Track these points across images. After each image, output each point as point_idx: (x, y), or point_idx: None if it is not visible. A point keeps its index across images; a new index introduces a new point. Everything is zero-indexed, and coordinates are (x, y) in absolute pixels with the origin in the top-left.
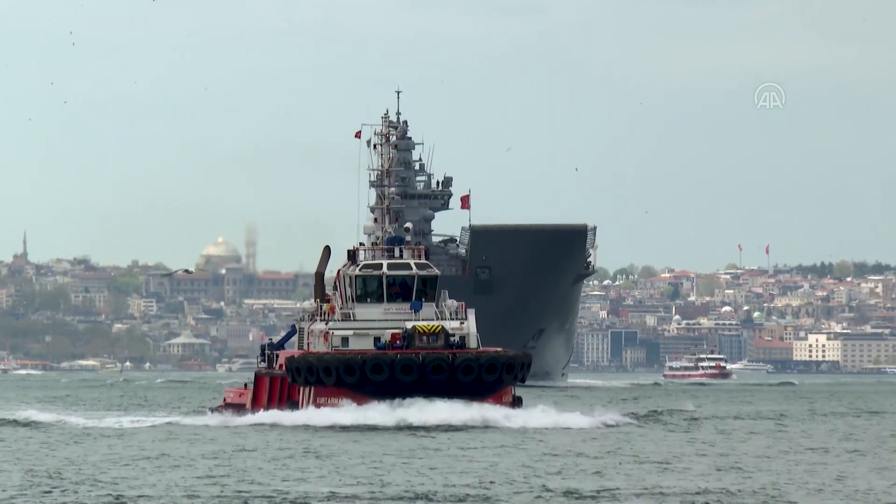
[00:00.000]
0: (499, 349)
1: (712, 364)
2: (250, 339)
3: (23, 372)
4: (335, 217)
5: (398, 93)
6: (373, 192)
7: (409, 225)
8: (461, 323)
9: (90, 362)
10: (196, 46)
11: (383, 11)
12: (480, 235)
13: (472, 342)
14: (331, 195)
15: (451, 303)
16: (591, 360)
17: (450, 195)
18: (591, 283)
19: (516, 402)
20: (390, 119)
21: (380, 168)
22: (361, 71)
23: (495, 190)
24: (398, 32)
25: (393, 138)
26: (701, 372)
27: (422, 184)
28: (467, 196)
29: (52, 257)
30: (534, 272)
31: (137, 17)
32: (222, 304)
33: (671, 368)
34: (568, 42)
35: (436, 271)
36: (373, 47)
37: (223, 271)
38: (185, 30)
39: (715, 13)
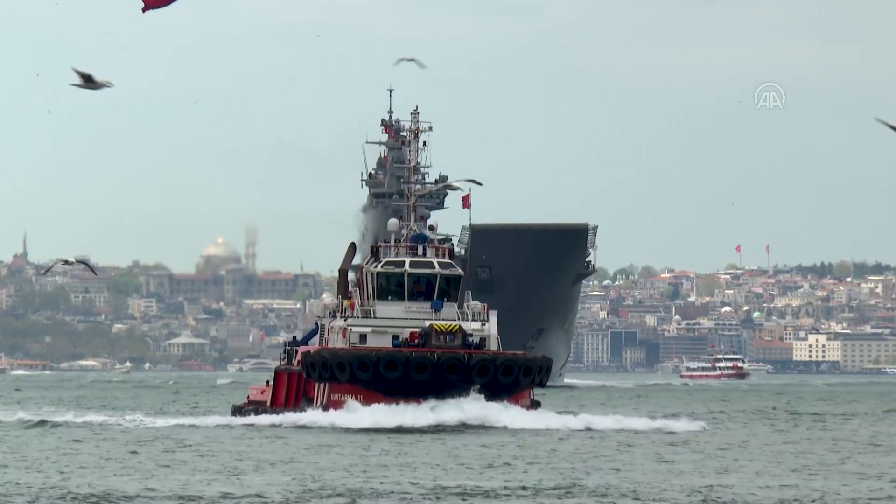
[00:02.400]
0: (518, 352)
1: (729, 365)
2: (250, 339)
3: (21, 372)
4: (336, 217)
5: (390, 91)
6: (364, 193)
7: (433, 223)
8: (482, 324)
9: (90, 362)
10: (196, 47)
11: (383, 12)
12: (481, 235)
13: (493, 344)
14: (331, 195)
15: (475, 304)
16: (590, 360)
17: (445, 194)
18: (590, 283)
19: (534, 406)
20: (419, 116)
21: (408, 164)
22: (361, 71)
23: (494, 189)
24: (398, 33)
25: (423, 134)
26: (718, 372)
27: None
28: (468, 195)
29: (52, 257)
30: (534, 271)
31: (137, 18)
32: (222, 304)
33: (688, 369)
34: (568, 42)
35: (459, 271)
36: (372, 48)
37: (223, 272)
38: (186, 31)
39: (714, 14)
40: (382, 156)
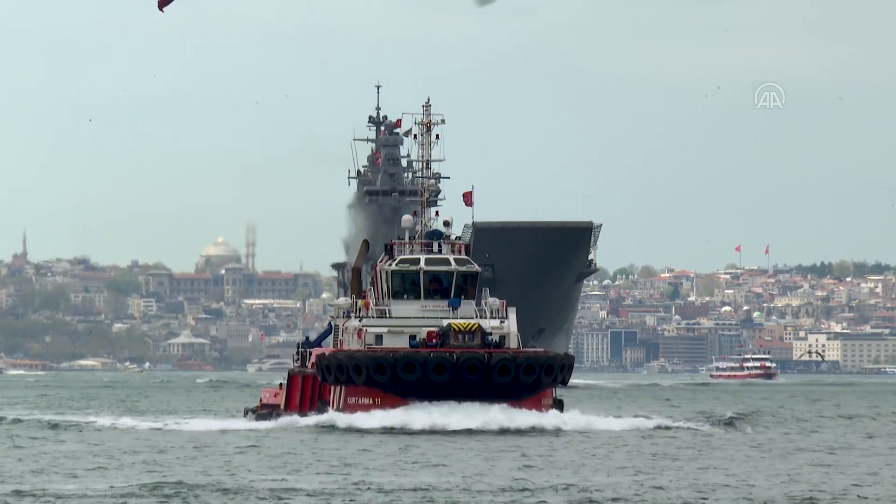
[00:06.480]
0: (538, 350)
1: (757, 364)
2: (250, 339)
3: (20, 372)
4: (328, 215)
5: (378, 87)
6: (351, 190)
7: (448, 219)
8: (501, 322)
9: (90, 362)
10: (194, 49)
11: (382, 11)
12: (484, 233)
13: (513, 342)
14: (330, 195)
15: (493, 301)
16: (590, 359)
17: (438, 191)
18: (590, 282)
19: (557, 406)
20: (432, 110)
21: (421, 158)
22: (359, 70)
23: (494, 188)
24: (397, 33)
25: (435, 128)
26: (746, 372)
27: (408, 179)
28: (469, 192)
29: (52, 257)
30: (537, 270)
31: (137, 21)
32: (222, 304)
33: (717, 369)
34: (568, 41)
35: (476, 267)
36: (371, 47)
37: (223, 271)
38: (184, 33)
39: (714, 13)
40: (373, 152)
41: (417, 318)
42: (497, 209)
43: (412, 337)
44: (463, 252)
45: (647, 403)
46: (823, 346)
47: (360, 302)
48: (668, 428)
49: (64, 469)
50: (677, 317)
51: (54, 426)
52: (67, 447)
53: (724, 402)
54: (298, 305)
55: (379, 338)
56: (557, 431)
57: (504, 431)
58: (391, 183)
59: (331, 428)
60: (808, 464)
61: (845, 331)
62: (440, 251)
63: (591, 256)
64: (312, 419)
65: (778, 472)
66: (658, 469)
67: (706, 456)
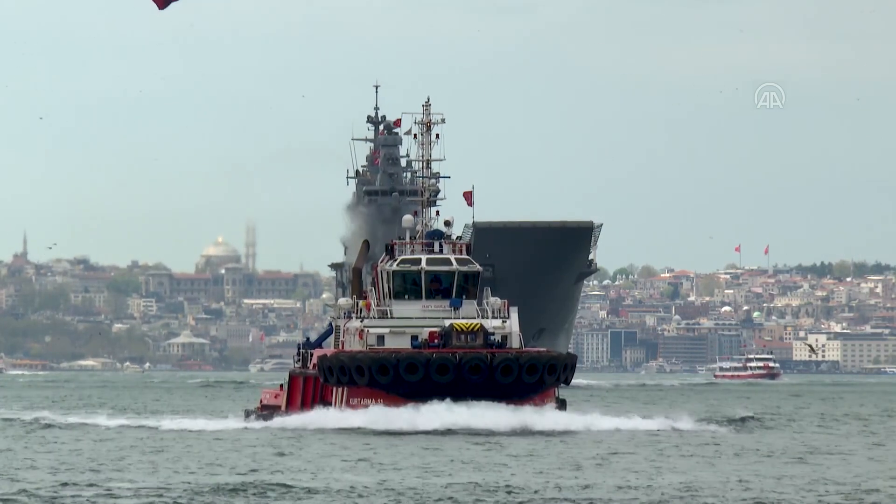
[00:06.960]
0: (541, 349)
1: (760, 364)
2: (250, 339)
3: (20, 372)
4: (327, 215)
5: (376, 87)
6: (349, 190)
7: (450, 218)
8: (503, 321)
9: (90, 362)
10: (195, 49)
11: (379, 10)
12: (485, 233)
13: (515, 342)
14: (329, 195)
15: (495, 300)
16: (590, 359)
17: (437, 191)
18: (590, 282)
19: (560, 406)
20: (431, 109)
21: (421, 158)
22: (356, 69)
23: (493, 187)
24: (395, 32)
25: (435, 128)
26: (750, 373)
27: (406, 179)
28: (470, 192)
29: (52, 257)
30: (538, 270)
31: (136, 21)
32: (222, 304)
33: (721, 369)
34: (567, 41)
35: (478, 267)
36: (368, 46)
37: (223, 271)
38: (182, 33)
39: (714, 13)
40: (372, 152)
41: (419, 318)
42: (497, 209)
43: (414, 337)
44: (464, 252)
45: (650, 404)
46: (820, 343)
47: (361, 302)
48: (674, 429)
49: (46, 467)
50: (677, 317)
51: (32, 423)
52: (48, 446)
53: (732, 403)
54: (298, 305)
55: (381, 338)
56: (559, 432)
57: (504, 432)
58: (391, 183)
59: (322, 427)
60: (803, 463)
61: (845, 331)
62: (441, 251)
63: (591, 256)
64: (301, 418)
65: (779, 473)
66: (656, 469)
67: (708, 457)
